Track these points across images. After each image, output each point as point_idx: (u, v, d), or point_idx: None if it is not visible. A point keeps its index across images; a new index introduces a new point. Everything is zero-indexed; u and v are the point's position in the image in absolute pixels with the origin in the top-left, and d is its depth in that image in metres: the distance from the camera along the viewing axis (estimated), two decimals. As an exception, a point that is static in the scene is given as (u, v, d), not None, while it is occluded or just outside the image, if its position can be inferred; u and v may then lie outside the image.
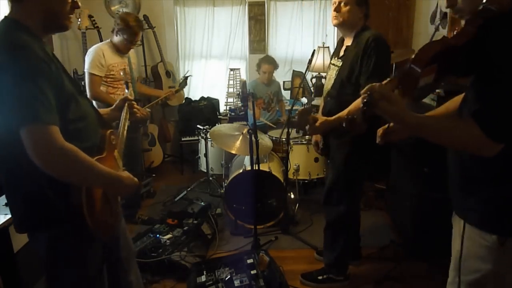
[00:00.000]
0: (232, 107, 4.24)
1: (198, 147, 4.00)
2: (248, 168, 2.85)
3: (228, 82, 4.40)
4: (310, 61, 2.63)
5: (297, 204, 3.36)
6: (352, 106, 2.02)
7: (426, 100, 2.76)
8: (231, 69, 4.40)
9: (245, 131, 3.00)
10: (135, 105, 1.71)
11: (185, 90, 4.43)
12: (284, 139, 3.36)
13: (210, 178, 3.76)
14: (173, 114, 4.54)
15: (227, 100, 4.45)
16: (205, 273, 2.30)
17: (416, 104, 2.53)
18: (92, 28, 3.85)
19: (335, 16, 2.11)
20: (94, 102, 2.20)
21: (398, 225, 3.04)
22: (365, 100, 1.08)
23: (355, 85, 2.06)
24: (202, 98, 4.51)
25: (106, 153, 1.38)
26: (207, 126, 3.58)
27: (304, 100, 4.03)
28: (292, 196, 3.39)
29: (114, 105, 1.68)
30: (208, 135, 3.46)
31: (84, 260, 1.37)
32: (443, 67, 1.07)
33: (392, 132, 1.45)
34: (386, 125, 1.47)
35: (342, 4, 2.07)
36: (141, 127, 3.22)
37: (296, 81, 4.37)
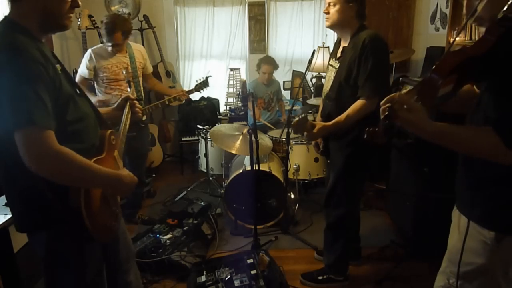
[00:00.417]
0: (232, 107, 4.26)
1: (198, 147, 4.00)
2: (248, 168, 2.85)
3: (228, 82, 4.40)
4: (310, 61, 2.63)
5: (297, 204, 3.36)
6: (350, 110, 2.02)
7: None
8: (231, 69, 4.40)
9: (245, 131, 3.00)
10: (137, 104, 1.69)
11: (185, 90, 4.44)
12: (284, 139, 3.36)
13: (210, 178, 3.76)
14: (173, 114, 4.54)
15: (227, 100, 4.45)
16: (205, 273, 2.30)
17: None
18: (92, 28, 3.85)
19: (326, 18, 2.10)
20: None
21: (398, 225, 3.04)
22: (386, 112, 1.07)
23: (353, 87, 2.04)
24: (202, 98, 4.51)
25: (105, 153, 1.38)
26: (207, 126, 3.58)
27: (298, 109, 4.02)
28: (292, 196, 3.39)
29: (115, 104, 1.67)
30: (208, 135, 3.46)
31: (83, 261, 1.36)
32: (462, 77, 1.08)
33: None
34: None
35: (331, 5, 2.05)
36: (144, 126, 3.17)
37: (296, 81, 4.38)
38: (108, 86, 2.94)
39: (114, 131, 1.49)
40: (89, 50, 2.95)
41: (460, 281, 1.26)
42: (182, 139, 4.31)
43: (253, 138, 2.57)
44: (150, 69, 3.26)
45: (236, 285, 2.17)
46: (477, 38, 2.60)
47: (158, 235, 2.73)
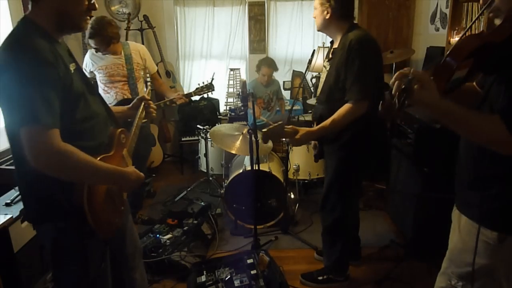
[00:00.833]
0: (232, 107, 4.27)
1: (198, 147, 4.00)
2: (248, 168, 2.85)
3: (228, 82, 4.40)
4: (310, 61, 2.63)
5: (297, 204, 3.36)
6: (336, 114, 1.96)
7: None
8: (231, 69, 4.40)
9: (245, 131, 3.00)
10: (152, 105, 1.73)
11: (185, 90, 4.45)
12: (284, 139, 3.36)
13: (210, 178, 3.76)
14: (173, 114, 4.54)
15: (227, 100, 4.45)
16: (205, 273, 2.30)
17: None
18: (92, 28, 3.85)
19: (315, 22, 2.09)
20: None
21: (398, 225, 3.04)
22: (403, 86, 1.04)
23: (342, 90, 1.98)
24: (202, 98, 4.50)
25: (113, 151, 1.40)
26: (207, 126, 3.58)
27: (298, 109, 4.00)
28: (292, 196, 3.39)
29: (131, 104, 1.71)
30: (208, 135, 3.46)
31: (85, 255, 1.38)
32: (478, 63, 1.06)
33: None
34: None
35: (315, 8, 2.04)
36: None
37: (296, 81, 4.38)
38: (105, 86, 2.99)
39: (125, 130, 1.50)
40: (88, 54, 3.00)
41: (462, 282, 1.25)
42: (182, 139, 4.31)
43: (253, 138, 2.57)
44: (154, 68, 3.21)
45: (236, 285, 2.17)
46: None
47: (158, 235, 2.73)
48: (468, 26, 2.74)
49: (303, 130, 1.97)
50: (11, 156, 1.39)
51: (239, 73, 4.40)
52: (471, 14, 2.96)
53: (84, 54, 3.04)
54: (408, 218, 2.74)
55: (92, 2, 1.32)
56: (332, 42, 2.20)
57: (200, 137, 3.76)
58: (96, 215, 1.30)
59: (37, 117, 1.12)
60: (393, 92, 1.06)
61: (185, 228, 2.81)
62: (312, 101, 3.69)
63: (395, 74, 1.08)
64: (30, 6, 1.26)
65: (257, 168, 2.67)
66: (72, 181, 1.24)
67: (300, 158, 3.37)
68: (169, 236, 2.73)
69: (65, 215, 1.30)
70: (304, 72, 2.82)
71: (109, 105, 1.52)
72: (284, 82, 4.38)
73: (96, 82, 3.03)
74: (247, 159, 3.09)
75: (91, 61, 2.98)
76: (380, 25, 4.18)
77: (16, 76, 1.13)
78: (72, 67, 1.29)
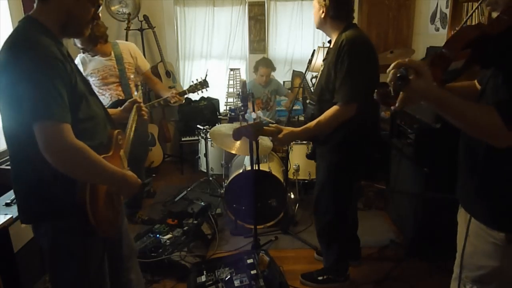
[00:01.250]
0: (232, 107, 4.26)
1: (198, 147, 4.00)
2: (248, 168, 2.85)
3: (228, 82, 4.40)
4: (310, 61, 2.63)
5: (297, 204, 3.36)
6: (322, 116, 1.94)
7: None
8: (231, 69, 4.40)
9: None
10: (143, 108, 1.75)
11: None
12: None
13: (210, 178, 3.76)
14: (173, 114, 4.54)
15: (227, 100, 4.45)
16: (205, 273, 2.30)
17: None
18: (92, 28, 3.85)
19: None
20: None
21: (398, 225, 3.04)
22: (398, 74, 1.03)
23: (332, 92, 1.95)
24: (202, 98, 4.51)
25: (112, 152, 1.41)
26: (207, 126, 3.58)
27: (254, 115, 3.99)
28: (292, 196, 3.39)
29: (123, 107, 1.72)
30: (208, 135, 3.46)
31: (85, 254, 1.38)
32: (475, 54, 1.06)
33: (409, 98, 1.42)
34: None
35: (314, 7, 2.03)
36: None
37: (296, 81, 4.38)
38: (99, 89, 2.86)
39: (121, 131, 1.52)
40: (78, 59, 2.84)
41: (476, 286, 1.23)
42: (182, 139, 4.31)
43: (253, 138, 2.57)
44: (146, 66, 3.07)
45: (236, 285, 2.17)
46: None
47: (158, 235, 2.73)
48: (464, 20, 2.74)
49: (287, 129, 1.94)
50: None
51: (239, 73, 4.40)
52: (475, 14, 2.96)
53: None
54: (408, 218, 2.74)
55: (98, 12, 1.35)
56: (330, 42, 2.20)
57: (200, 137, 3.76)
58: (98, 213, 1.30)
59: (52, 112, 1.14)
60: (388, 80, 1.06)
61: (185, 228, 2.81)
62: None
63: (392, 64, 1.08)
64: (35, 5, 1.27)
65: (257, 168, 2.67)
66: (81, 177, 1.25)
67: (300, 158, 3.37)
68: (169, 236, 2.73)
69: (65, 214, 1.30)
70: (304, 72, 2.82)
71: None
72: (284, 82, 4.38)
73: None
74: (247, 159, 3.09)
75: (82, 66, 2.84)
76: (380, 25, 4.18)
77: (27, 72, 1.14)
78: (73, 67, 1.31)
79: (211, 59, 4.55)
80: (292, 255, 2.77)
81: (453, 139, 1.31)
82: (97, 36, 2.69)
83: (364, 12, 4.15)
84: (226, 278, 2.22)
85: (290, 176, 3.31)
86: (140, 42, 4.24)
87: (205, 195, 3.69)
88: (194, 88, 2.93)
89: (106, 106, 1.56)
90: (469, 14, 2.89)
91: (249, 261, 2.35)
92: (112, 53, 2.86)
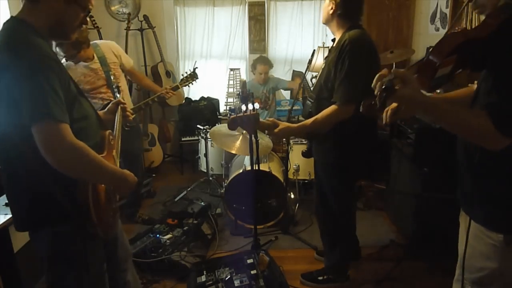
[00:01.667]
0: (232, 107, 4.26)
1: (198, 147, 4.00)
2: (248, 168, 2.85)
3: (228, 82, 4.40)
4: (310, 61, 2.63)
5: (297, 204, 3.36)
6: (320, 114, 1.93)
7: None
8: (231, 69, 4.40)
9: (245, 131, 3.00)
10: (128, 109, 1.75)
11: (185, 90, 4.44)
12: (284, 139, 3.36)
13: (210, 178, 3.76)
14: (173, 114, 4.54)
15: (227, 100, 4.45)
16: (205, 273, 2.29)
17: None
18: (92, 28, 3.85)
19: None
20: None
21: (398, 225, 3.04)
22: (383, 86, 1.03)
23: (330, 90, 1.94)
24: (202, 98, 4.51)
25: (106, 152, 1.41)
26: (207, 126, 3.58)
27: (250, 106, 3.99)
28: (292, 196, 3.39)
29: (106, 109, 1.70)
30: (208, 135, 3.46)
31: (86, 258, 1.38)
32: (462, 59, 1.06)
33: (400, 111, 1.41)
34: (395, 105, 1.43)
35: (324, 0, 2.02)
36: (128, 129, 2.85)
37: (296, 81, 4.37)
38: (88, 95, 2.73)
39: (112, 132, 1.52)
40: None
41: (477, 287, 1.24)
42: (182, 139, 4.31)
43: (253, 138, 2.57)
44: (129, 63, 3.01)
45: (236, 285, 2.17)
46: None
47: (158, 235, 2.73)
48: (450, 27, 2.73)
49: (283, 124, 1.93)
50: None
51: (239, 73, 4.39)
52: (471, 14, 2.96)
53: None
54: (408, 218, 2.74)
55: (85, 17, 1.34)
56: (333, 40, 2.18)
57: (200, 137, 3.76)
58: (100, 213, 1.30)
59: (52, 112, 1.13)
60: (375, 92, 1.05)
61: (185, 228, 2.81)
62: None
63: (377, 75, 1.08)
64: (23, 6, 1.25)
65: (257, 168, 2.67)
66: (81, 177, 1.24)
67: (300, 158, 3.36)
68: (169, 236, 2.74)
69: (65, 218, 1.28)
70: (304, 72, 2.82)
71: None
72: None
73: None
74: (247, 159, 3.08)
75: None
76: (380, 25, 4.18)
77: (24, 73, 1.13)
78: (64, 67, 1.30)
79: (211, 59, 4.55)
80: (292, 255, 2.77)
81: (453, 139, 1.31)
82: (80, 41, 2.56)
83: (364, 12, 4.12)
84: (226, 278, 2.22)
85: (290, 176, 3.31)
86: (140, 42, 4.24)
87: (205, 195, 3.69)
88: (185, 81, 2.98)
89: (98, 110, 1.56)
90: (455, 17, 2.89)
91: (249, 261, 2.35)
92: (95, 55, 2.74)
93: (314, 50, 3.00)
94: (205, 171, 3.74)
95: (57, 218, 1.29)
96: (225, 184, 3.22)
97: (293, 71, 4.45)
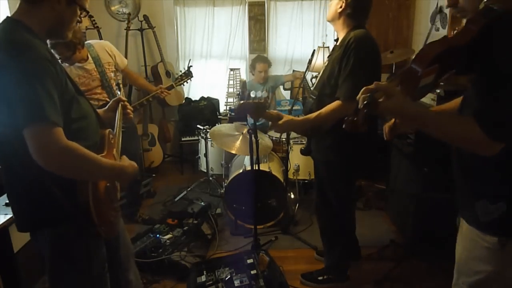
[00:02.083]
0: (232, 107, 4.26)
1: (198, 147, 4.00)
2: (248, 168, 2.85)
3: (228, 82, 4.40)
4: (310, 61, 2.62)
5: (297, 204, 3.36)
6: (324, 109, 1.94)
7: (426, 100, 2.76)
8: (231, 69, 4.40)
9: (245, 131, 3.00)
10: (129, 106, 1.73)
11: (185, 90, 4.44)
12: (284, 139, 3.36)
13: (210, 178, 3.76)
14: (173, 114, 4.54)
15: (227, 100, 4.45)
16: (205, 273, 2.30)
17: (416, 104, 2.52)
18: (92, 28, 3.85)
19: (328, 11, 2.08)
20: None
21: (398, 225, 3.04)
22: (365, 101, 1.05)
23: (333, 87, 1.96)
24: (202, 98, 4.51)
25: (106, 151, 1.40)
26: (207, 126, 3.58)
27: (259, 94, 4.01)
28: (292, 196, 3.39)
29: (107, 107, 1.69)
30: (208, 135, 3.46)
31: (89, 257, 1.38)
32: (444, 67, 1.06)
33: (397, 126, 1.43)
34: (392, 121, 1.44)
35: None
36: (124, 130, 2.93)
37: (296, 81, 4.38)
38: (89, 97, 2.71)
39: (112, 131, 1.52)
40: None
41: None
42: (182, 139, 4.31)
43: (253, 138, 2.57)
44: (124, 62, 2.95)
45: (236, 285, 2.17)
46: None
47: (158, 235, 2.73)
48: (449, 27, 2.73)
49: (287, 117, 1.95)
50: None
51: (239, 73, 4.39)
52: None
53: None
54: (408, 218, 2.74)
55: (82, 15, 1.35)
56: (336, 40, 2.18)
57: (200, 137, 3.76)
58: (100, 213, 1.30)
59: (45, 115, 1.11)
60: (359, 106, 1.07)
61: (185, 228, 2.81)
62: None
63: (362, 89, 1.10)
64: (20, 7, 1.25)
65: (257, 168, 2.67)
66: (77, 177, 1.24)
67: (300, 158, 3.37)
68: (169, 236, 2.74)
69: (65, 218, 1.28)
70: (304, 72, 2.82)
71: None
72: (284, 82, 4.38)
73: None
74: (247, 159, 3.08)
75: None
76: (380, 25, 4.18)
77: (18, 75, 1.12)
78: (61, 67, 1.29)
79: (211, 59, 4.55)
80: (292, 255, 2.77)
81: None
82: (74, 43, 2.52)
83: (365, 13, 4.15)
84: (226, 278, 2.22)
85: (290, 176, 3.31)
86: (140, 42, 4.24)
87: (205, 195, 3.69)
88: (180, 80, 2.96)
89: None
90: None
91: (249, 261, 2.35)
92: (89, 56, 2.70)
93: (314, 50, 2.99)
94: (205, 171, 3.74)
95: (58, 218, 1.29)
96: (225, 184, 3.22)
97: (293, 71, 4.45)
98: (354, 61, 1.86)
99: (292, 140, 3.34)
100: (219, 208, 3.32)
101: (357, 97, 1.10)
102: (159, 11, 4.31)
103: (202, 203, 3.43)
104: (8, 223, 1.91)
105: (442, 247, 1.84)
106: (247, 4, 4.35)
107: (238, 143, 2.96)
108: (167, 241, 2.68)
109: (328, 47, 3.81)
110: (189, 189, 3.71)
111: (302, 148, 2.34)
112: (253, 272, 2.25)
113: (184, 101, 4.33)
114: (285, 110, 4.19)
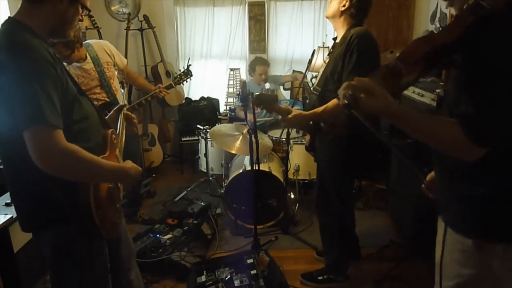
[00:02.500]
0: (232, 107, 4.27)
1: (198, 147, 4.00)
2: (248, 168, 2.85)
3: (228, 82, 4.40)
4: (310, 61, 2.63)
5: (297, 204, 3.36)
6: (330, 103, 1.97)
7: (426, 100, 2.76)
8: (231, 69, 4.40)
9: (245, 131, 3.00)
10: (130, 115, 1.73)
11: (185, 90, 4.44)
12: (284, 139, 3.36)
13: (210, 178, 3.76)
14: (173, 114, 4.54)
15: (227, 100, 4.45)
16: (205, 273, 2.30)
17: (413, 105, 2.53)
18: (92, 28, 3.85)
19: (328, 7, 2.10)
20: None
21: (398, 225, 3.04)
22: (345, 101, 1.02)
23: (337, 83, 1.98)
24: (202, 98, 4.51)
25: (108, 152, 1.40)
26: (207, 126, 3.58)
27: (267, 85, 4.05)
28: (292, 196, 3.39)
29: (108, 116, 1.67)
30: (208, 135, 3.46)
31: (91, 258, 1.37)
32: (429, 64, 1.03)
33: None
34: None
35: None
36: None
37: (294, 75, 4.38)
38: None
39: (114, 130, 1.51)
40: None
41: None
42: (182, 139, 4.31)
43: (253, 138, 2.57)
44: (124, 62, 2.96)
45: (236, 285, 2.17)
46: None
47: (158, 235, 2.73)
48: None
49: (296, 111, 2.01)
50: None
51: (239, 73, 4.39)
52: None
53: None
54: (408, 218, 2.73)
55: (83, 14, 1.34)
56: (335, 39, 2.21)
57: (200, 137, 3.76)
58: (102, 214, 1.29)
59: (44, 117, 1.10)
60: (340, 103, 1.05)
61: (185, 228, 2.81)
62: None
63: (344, 84, 1.06)
64: (21, 8, 1.24)
65: (257, 168, 2.67)
66: (78, 180, 1.23)
67: (300, 158, 3.37)
68: (169, 236, 2.74)
69: (68, 219, 1.28)
70: (304, 72, 2.82)
71: None
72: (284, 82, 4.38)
73: None
74: (247, 159, 3.08)
75: None
76: (380, 25, 4.18)
77: (18, 76, 1.11)
78: (63, 68, 1.29)
79: (211, 59, 4.55)
80: (292, 255, 2.77)
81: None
82: (73, 41, 2.49)
83: (364, 12, 4.15)
84: (226, 278, 2.22)
85: (290, 176, 3.31)
86: (140, 42, 4.24)
87: (205, 195, 3.69)
88: (179, 80, 2.98)
89: None
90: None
91: (249, 261, 2.35)
92: (88, 55, 2.68)
93: (314, 50, 3.00)
94: (205, 171, 3.74)
95: (59, 219, 1.29)
96: (225, 184, 3.22)
97: (293, 71, 4.45)
98: (357, 57, 1.90)
99: (292, 140, 3.33)
100: (219, 208, 3.32)
101: (339, 91, 1.07)
102: (159, 11, 4.31)
103: (202, 203, 3.43)
104: (8, 223, 1.92)
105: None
106: (247, 4, 4.35)
107: (238, 143, 2.96)
108: (167, 241, 2.68)
109: (328, 47, 3.81)
110: (189, 189, 3.71)
111: (307, 145, 2.37)
112: (253, 272, 2.25)
113: (184, 101, 4.33)
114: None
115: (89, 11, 1.37)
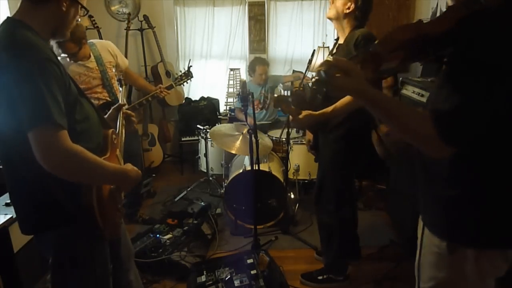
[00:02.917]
0: (232, 107, 4.27)
1: (198, 147, 4.00)
2: (248, 168, 2.85)
3: (228, 82, 4.40)
4: (310, 61, 2.63)
5: (297, 204, 3.36)
6: (339, 103, 2.01)
7: (424, 99, 2.76)
8: (231, 69, 4.40)
9: (245, 131, 3.00)
10: (130, 113, 1.72)
11: (185, 90, 4.44)
12: (284, 139, 3.36)
13: (210, 178, 3.76)
14: (173, 114, 4.54)
15: (227, 100, 4.45)
16: (205, 273, 2.30)
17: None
18: (92, 28, 3.85)
19: (330, 9, 2.11)
20: None
21: (398, 225, 3.04)
22: (317, 77, 0.97)
23: None
24: (202, 98, 4.51)
25: (109, 152, 1.40)
26: (207, 126, 3.58)
27: (280, 86, 4.05)
28: (292, 196, 3.39)
29: (107, 115, 1.67)
30: (208, 135, 3.46)
31: (92, 259, 1.37)
32: (413, 53, 0.99)
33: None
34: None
35: None
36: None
37: (294, 75, 4.38)
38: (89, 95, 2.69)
39: (115, 130, 1.51)
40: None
41: None
42: (182, 139, 4.31)
43: (253, 138, 2.57)
44: (125, 63, 2.95)
45: (236, 285, 2.17)
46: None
47: (158, 235, 2.73)
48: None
49: (306, 112, 2.03)
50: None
51: (239, 73, 4.40)
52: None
53: None
54: (408, 218, 2.73)
55: (81, 14, 1.35)
56: (337, 40, 2.23)
57: (200, 137, 3.76)
58: (104, 216, 1.29)
59: (51, 117, 1.10)
60: (313, 80, 1.01)
61: (185, 228, 2.81)
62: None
63: (321, 63, 1.02)
64: (22, 8, 1.23)
65: (257, 168, 2.67)
66: (81, 181, 1.23)
67: (300, 158, 3.37)
68: (169, 236, 2.74)
69: (69, 220, 1.27)
70: (304, 72, 2.82)
71: None
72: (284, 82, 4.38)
73: None
74: (247, 159, 3.09)
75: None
76: (380, 25, 4.17)
77: (22, 75, 1.10)
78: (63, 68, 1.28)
79: (211, 59, 4.55)
80: (292, 255, 2.77)
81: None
82: (79, 37, 2.51)
83: (364, 12, 4.15)
84: (226, 278, 2.22)
85: (290, 176, 3.31)
86: (140, 42, 4.24)
87: (205, 195, 3.69)
88: (179, 80, 2.98)
89: None
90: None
91: (249, 261, 2.35)
92: (91, 54, 2.69)
93: (314, 50, 2.99)
94: (205, 171, 3.74)
95: (61, 220, 1.28)
96: (225, 184, 3.22)
97: (293, 71, 4.45)
98: None
99: (292, 140, 3.34)
100: (219, 208, 3.32)
101: (316, 68, 1.05)
102: (159, 11, 4.31)
103: (202, 203, 3.43)
104: (8, 223, 1.92)
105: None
106: (247, 4, 4.35)
107: (238, 143, 2.96)
108: (167, 241, 2.68)
109: (328, 47, 3.80)
110: (189, 189, 3.71)
111: (312, 144, 2.40)
112: (253, 272, 2.25)
113: (184, 101, 4.33)
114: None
115: (88, 11, 1.36)
